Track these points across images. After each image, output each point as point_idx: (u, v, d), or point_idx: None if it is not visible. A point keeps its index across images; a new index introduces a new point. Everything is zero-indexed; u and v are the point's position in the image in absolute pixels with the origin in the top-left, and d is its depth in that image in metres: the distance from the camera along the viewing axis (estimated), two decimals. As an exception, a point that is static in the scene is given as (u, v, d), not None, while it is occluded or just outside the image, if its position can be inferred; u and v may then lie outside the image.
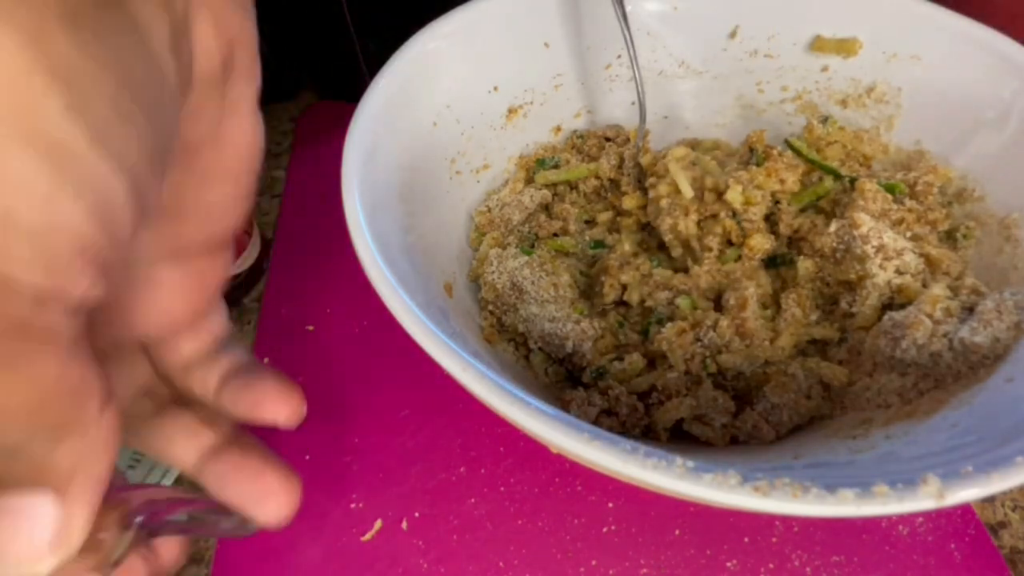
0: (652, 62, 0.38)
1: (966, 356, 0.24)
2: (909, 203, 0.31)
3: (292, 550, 0.30)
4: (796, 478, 0.16)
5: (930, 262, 0.29)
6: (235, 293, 0.41)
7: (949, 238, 0.31)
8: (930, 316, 0.25)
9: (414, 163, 0.30)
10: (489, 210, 0.35)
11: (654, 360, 0.30)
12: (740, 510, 0.17)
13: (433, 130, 0.32)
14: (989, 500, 0.29)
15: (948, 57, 0.33)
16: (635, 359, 0.29)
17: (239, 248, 0.39)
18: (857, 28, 0.35)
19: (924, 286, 0.28)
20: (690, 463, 0.16)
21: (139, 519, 0.20)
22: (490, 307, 0.31)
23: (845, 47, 0.35)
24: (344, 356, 0.37)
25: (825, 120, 0.36)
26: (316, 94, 0.58)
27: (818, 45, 0.36)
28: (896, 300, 0.28)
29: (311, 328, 0.39)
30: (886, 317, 0.26)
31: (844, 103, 0.37)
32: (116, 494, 0.21)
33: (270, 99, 0.58)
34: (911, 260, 0.28)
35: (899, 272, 0.28)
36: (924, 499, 0.15)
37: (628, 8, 0.34)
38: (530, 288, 0.30)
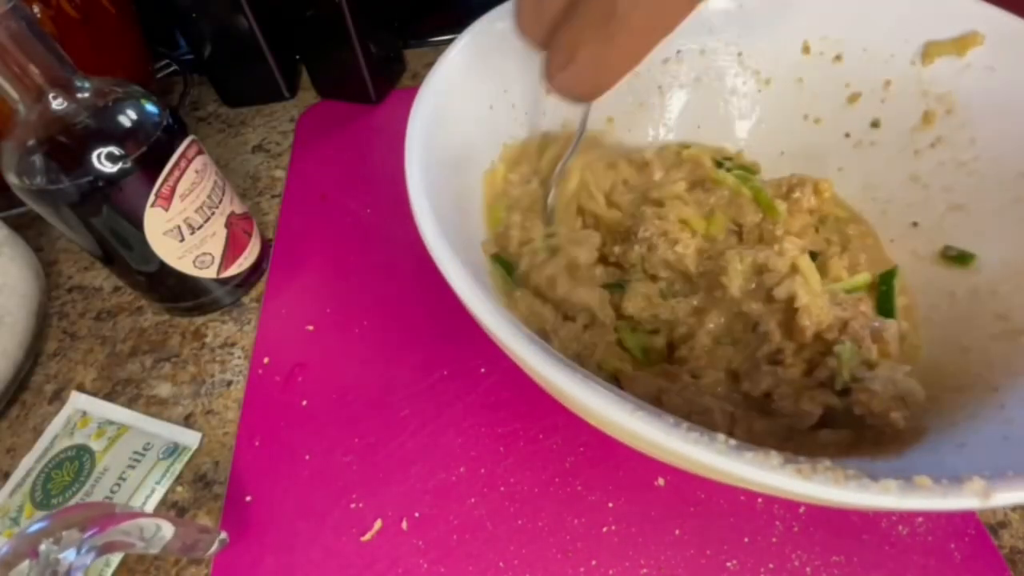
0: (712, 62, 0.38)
1: None
2: None
3: (292, 550, 0.30)
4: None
5: None
6: (235, 293, 0.41)
7: None
8: None
9: (469, 142, 0.31)
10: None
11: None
12: (777, 494, 0.16)
13: (490, 113, 0.33)
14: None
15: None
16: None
17: (239, 248, 0.39)
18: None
19: None
20: (732, 441, 0.16)
21: (89, 534, 0.21)
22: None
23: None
24: (344, 356, 0.37)
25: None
26: (316, 94, 0.58)
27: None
28: None
29: (311, 328, 0.39)
30: None
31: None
32: (69, 512, 0.21)
33: (270, 99, 0.58)
34: None
35: None
36: (968, 497, 0.15)
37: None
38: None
